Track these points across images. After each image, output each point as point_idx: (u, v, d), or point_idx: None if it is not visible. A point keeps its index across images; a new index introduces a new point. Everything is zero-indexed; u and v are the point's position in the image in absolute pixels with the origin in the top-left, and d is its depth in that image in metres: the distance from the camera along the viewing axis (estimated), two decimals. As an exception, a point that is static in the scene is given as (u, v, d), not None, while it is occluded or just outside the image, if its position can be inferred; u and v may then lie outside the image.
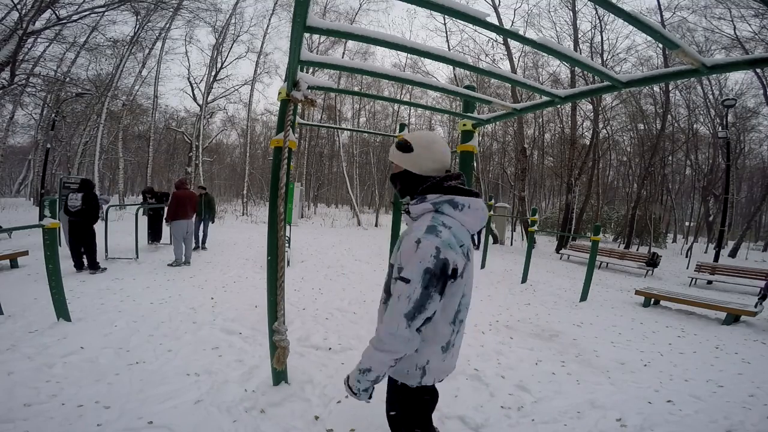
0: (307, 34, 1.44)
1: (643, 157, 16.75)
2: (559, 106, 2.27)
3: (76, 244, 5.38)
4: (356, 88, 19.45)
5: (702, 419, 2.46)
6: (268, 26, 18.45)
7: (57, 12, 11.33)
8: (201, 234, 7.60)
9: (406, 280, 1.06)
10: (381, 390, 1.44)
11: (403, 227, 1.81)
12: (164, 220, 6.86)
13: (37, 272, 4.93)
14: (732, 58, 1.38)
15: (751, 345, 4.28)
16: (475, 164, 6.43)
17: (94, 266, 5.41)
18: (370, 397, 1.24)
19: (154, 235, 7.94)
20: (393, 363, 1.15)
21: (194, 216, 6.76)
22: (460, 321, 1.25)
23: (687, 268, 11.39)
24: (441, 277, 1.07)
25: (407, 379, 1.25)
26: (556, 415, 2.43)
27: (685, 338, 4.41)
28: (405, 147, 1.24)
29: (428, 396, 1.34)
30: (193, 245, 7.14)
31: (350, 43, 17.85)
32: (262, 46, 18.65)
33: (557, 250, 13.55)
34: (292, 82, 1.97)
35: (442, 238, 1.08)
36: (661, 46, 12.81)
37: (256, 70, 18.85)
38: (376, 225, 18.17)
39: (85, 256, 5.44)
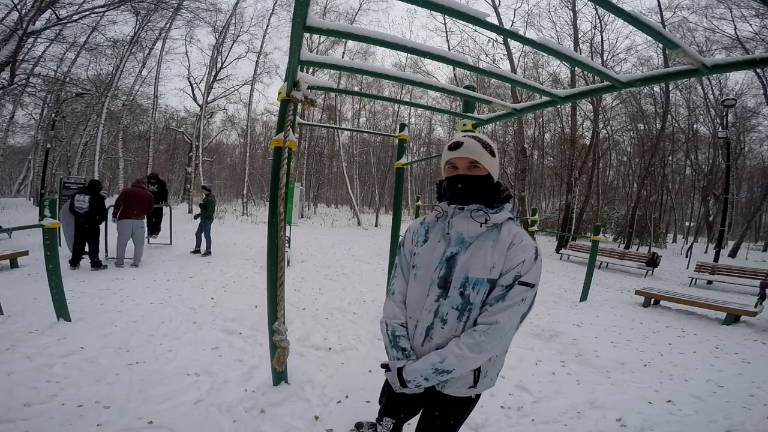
0: (307, 34, 1.43)
1: (643, 157, 16.75)
2: (559, 106, 2.27)
3: (80, 243, 5.51)
4: (356, 88, 19.45)
5: (702, 419, 2.46)
6: (268, 26, 18.43)
7: (57, 12, 11.32)
8: (203, 238, 7.42)
9: (531, 285, 1.12)
10: (375, 390, 1.43)
11: (405, 228, 1.77)
12: (113, 216, 6.12)
13: (37, 272, 4.93)
14: (732, 58, 1.38)
15: (751, 345, 4.28)
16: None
17: (96, 264, 5.52)
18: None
19: (151, 228, 7.85)
20: (477, 366, 1.17)
21: (144, 216, 6.33)
22: None
23: (687, 268, 11.39)
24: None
25: (489, 386, 1.28)
26: (556, 415, 2.43)
27: (685, 338, 4.41)
28: (492, 150, 1.21)
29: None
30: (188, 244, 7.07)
31: (350, 43, 17.86)
32: (262, 46, 18.64)
33: (557, 250, 13.56)
34: (292, 82, 1.97)
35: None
36: (661, 46, 12.82)
37: (256, 70, 18.84)
38: (376, 225, 18.17)
39: (88, 254, 5.58)
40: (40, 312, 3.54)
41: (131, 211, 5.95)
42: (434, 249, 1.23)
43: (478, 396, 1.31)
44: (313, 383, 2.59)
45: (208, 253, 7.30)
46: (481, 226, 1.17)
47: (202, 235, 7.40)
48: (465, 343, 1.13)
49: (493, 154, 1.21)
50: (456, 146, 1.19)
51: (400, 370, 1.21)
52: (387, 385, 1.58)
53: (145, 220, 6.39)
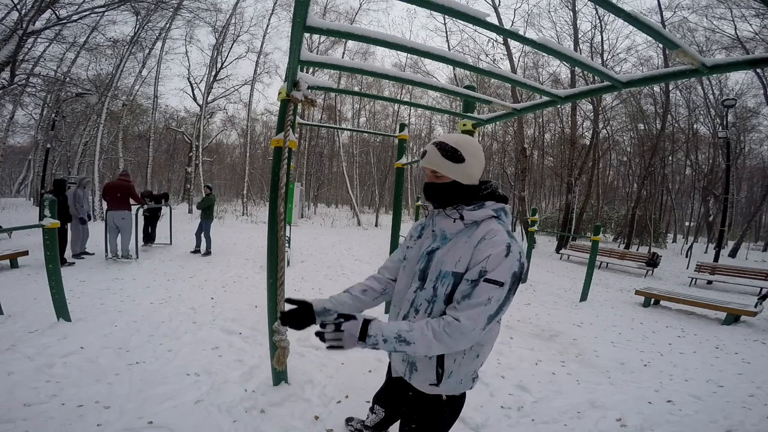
0: (307, 34, 1.43)
1: (643, 157, 16.75)
2: (559, 106, 2.27)
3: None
4: (356, 88, 19.45)
5: (702, 419, 2.46)
6: (268, 26, 18.44)
7: (57, 12, 11.31)
8: (203, 238, 7.38)
9: (499, 283, 1.07)
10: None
11: (405, 228, 1.82)
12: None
13: (37, 272, 4.94)
14: (732, 58, 1.38)
15: (751, 345, 4.28)
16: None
17: (62, 261, 5.64)
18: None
19: (147, 237, 7.71)
20: (435, 354, 1.12)
21: (131, 207, 6.48)
22: None
23: (687, 268, 11.39)
24: (519, 280, 1.12)
25: (459, 389, 1.25)
26: (556, 415, 2.43)
27: (685, 338, 4.41)
28: (456, 156, 1.17)
29: (464, 400, 1.34)
30: (201, 244, 7.03)
31: (350, 43, 17.86)
32: (262, 46, 18.64)
33: (557, 250, 13.56)
34: (292, 82, 1.97)
35: (519, 243, 1.14)
36: (661, 46, 12.82)
37: (256, 70, 18.84)
38: (376, 225, 18.17)
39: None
40: (40, 312, 3.54)
41: (110, 203, 6.24)
42: (422, 245, 1.29)
43: (451, 399, 1.27)
44: (313, 383, 2.59)
45: (207, 253, 7.29)
46: (454, 221, 1.20)
47: (202, 235, 7.40)
48: (432, 326, 1.10)
49: (456, 159, 1.16)
50: (423, 155, 1.23)
51: (366, 322, 1.12)
52: (386, 377, 1.64)
53: (130, 212, 6.45)
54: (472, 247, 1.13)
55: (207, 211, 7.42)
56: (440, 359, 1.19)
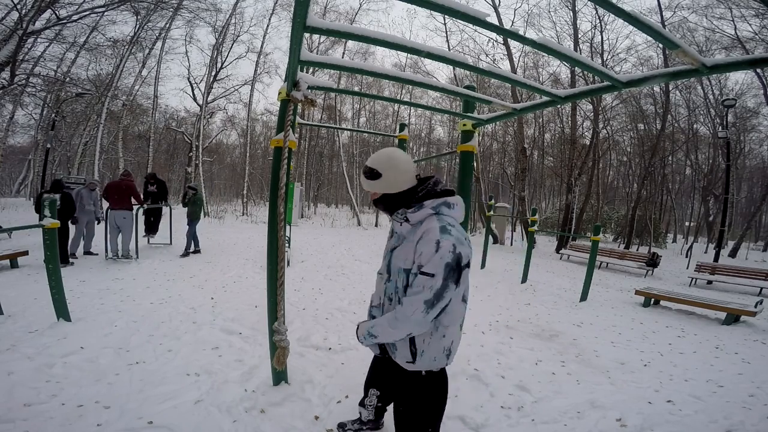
0: (307, 34, 1.44)
1: (643, 157, 16.76)
2: (559, 106, 2.27)
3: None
4: (356, 88, 19.45)
5: (702, 419, 2.46)
6: (268, 26, 18.42)
7: (57, 12, 11.33)
8: (192, 239, 7.29)
9: (430, 275, 1.25)
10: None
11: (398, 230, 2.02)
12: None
13: (37, 272, 4.94)
14: (732, 58, 1.38)
15: (751, 345, 4.28)
16: (475, 164, 6.41)
17: (65, 260, 5.64)
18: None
19: (149, 228, 7.72)
20: (398, 338, 1.37)
21: (132, 207, 6.45)
22: (466, 299, 1.48)
23: (687, 268, 11.39)
24: (457, 269, 1.27)
25: (435, 366, 1.42)
26: (556, 415, 2.43)
27: (685, 338, 4.41)
28: (372, 174, 1.38)
29: (446, 376, 1.53)
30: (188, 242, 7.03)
31: (350, 43, 17.85)
32: (262, 46, 18.63)
33: (557, 250, 13.56)
34: (292, 82, 1.97)
35: (454, 236, 1.29)
36: (661, 46, 12.82)
37: (256, 70, 18.82)
38: (376, 225, 18.17)
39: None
40: (40, 312, 3.54)
41: (111, 202, 6.23)
42: (389, 243, 1.54)
43: (429, 374, 1.44)
44: (313, 383, 2.59)
45: (196, 251, 7.24)
46: (402, 224, 1.41)
47: (192, 234, 7.33)
48: (386, 316, 1.39)
49: (373, 176, 1.38)
50: None
51: (357, 327, 1.55)
52: (372, 360, 1.95)
53: (132, 212, 6.42)
54: (414, 247, 1.33)
55: (193, 210, 7.33)
56: (412, 340, 1.38)
